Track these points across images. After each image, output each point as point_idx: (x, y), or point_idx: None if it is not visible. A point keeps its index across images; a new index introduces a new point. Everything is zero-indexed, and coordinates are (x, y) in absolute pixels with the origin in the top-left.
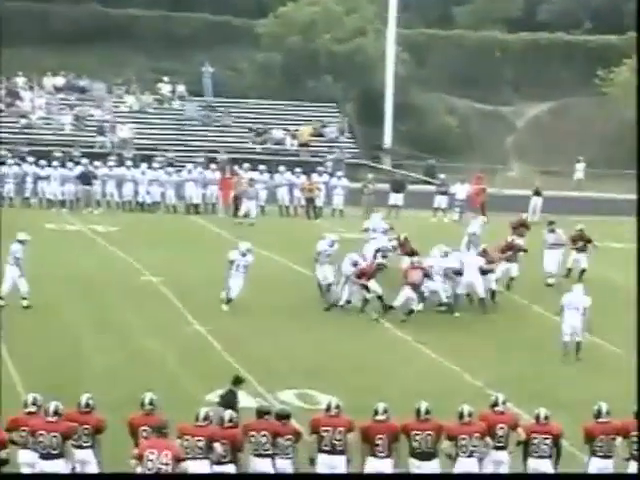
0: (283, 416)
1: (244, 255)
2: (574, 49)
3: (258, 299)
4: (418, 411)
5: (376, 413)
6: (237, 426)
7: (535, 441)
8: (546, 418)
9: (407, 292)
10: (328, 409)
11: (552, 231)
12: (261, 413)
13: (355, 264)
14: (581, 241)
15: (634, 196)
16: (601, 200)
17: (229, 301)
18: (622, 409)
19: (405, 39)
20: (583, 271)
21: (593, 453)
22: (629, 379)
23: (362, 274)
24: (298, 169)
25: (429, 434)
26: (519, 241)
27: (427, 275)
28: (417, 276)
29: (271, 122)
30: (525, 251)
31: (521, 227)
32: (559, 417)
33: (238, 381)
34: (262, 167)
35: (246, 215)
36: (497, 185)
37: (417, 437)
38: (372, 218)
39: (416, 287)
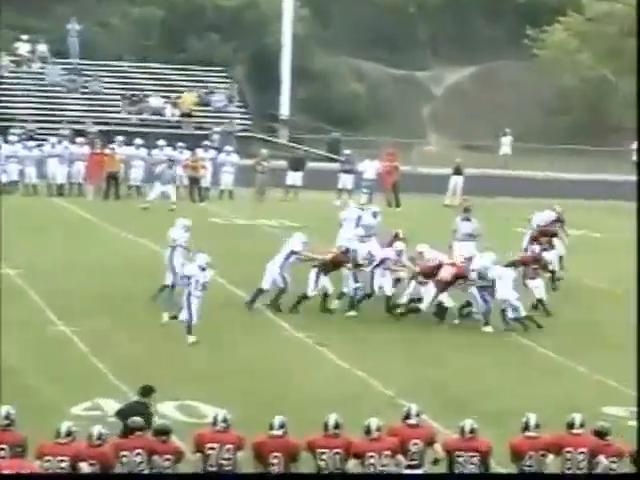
0: (162, 432)
1: (203, 270)
2: (500, 5)
3: (134, 293)
4: (326, 425)
5: (271, 427)
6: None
7: (460, 459)
8: (472, 432)
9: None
10: (215, 423)
11: (467, 219)
12: (133, 429)
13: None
14: (544, 237)
15: (577, 175)
16: (534, 180)
17: (174, 317)
18: (556, 420)
19: None
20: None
21: (521, 472)
22: (562, 385)
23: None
24: (180, 143)
25: (337, 452)
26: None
27: (462, 277)
28: (449, 273)
29: (148, 88)
30: (552, 273)
31: (543, 236)
32: (486, 431)
33: (148, 391)
34: (138, 141)
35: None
36: (412, 162)
37: (323, 455)
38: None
39: (445, 286)
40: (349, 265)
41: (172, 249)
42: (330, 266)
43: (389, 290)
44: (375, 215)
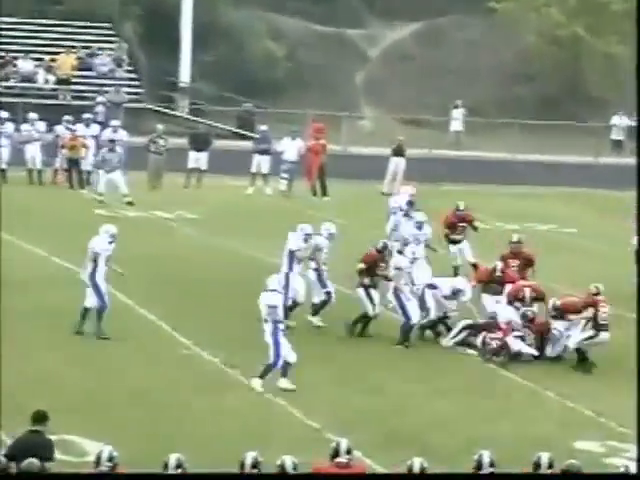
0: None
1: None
2: None
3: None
4: (337, 451)
5: (166, 466)
6: None
7: None
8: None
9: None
10: (98, 462)
11: (408, 215)
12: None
13: None
14: (461, 224)
15: (545, 157)
16: (492, 162)
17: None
18: (519, 458)
19: None
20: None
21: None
22: (527, 415)
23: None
24: (67, 117)
25: None
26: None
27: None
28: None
29: (16, 49)
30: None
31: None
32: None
33: (41, 418)
34: (4, 114)
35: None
36: (342, 141)
37: None
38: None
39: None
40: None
41: (94, 264)
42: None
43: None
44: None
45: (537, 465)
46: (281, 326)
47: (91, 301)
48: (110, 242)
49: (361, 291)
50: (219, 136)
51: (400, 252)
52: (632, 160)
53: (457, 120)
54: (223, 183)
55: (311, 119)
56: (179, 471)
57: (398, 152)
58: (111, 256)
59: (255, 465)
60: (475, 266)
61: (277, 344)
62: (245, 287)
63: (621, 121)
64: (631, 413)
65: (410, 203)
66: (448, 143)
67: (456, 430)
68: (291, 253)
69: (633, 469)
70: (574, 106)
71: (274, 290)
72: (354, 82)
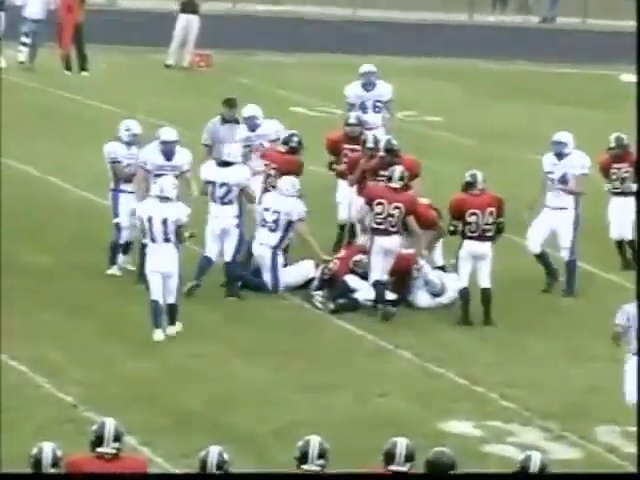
0: None
1: None
2: None
3: None
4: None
5: None
6: None
7: None
8: None
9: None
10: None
11: (230, 120)
12: None
13: None
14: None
15: (389, 14)
16: (322, 22)
17: None
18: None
19: None
20: None
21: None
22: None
23: None
24: None
25: None
26: None
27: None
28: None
29: None
30: None
31: None
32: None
33: None
34: None
35: None
36: None
37: None
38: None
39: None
40: None
41: None
42: None
43: None
44: None
45: (390, 457)
46: None
47: None
48: None
49: None
50: None
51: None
52: (518, 19)
53: None
54: None
55: None
56: None
57: (189, 7)
58: None
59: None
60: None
61: None
62: None
63: None
64: (525, 378)
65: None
66: None
67: (270, 406)
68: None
69: (536, 461)
70: None
71: None
72: None
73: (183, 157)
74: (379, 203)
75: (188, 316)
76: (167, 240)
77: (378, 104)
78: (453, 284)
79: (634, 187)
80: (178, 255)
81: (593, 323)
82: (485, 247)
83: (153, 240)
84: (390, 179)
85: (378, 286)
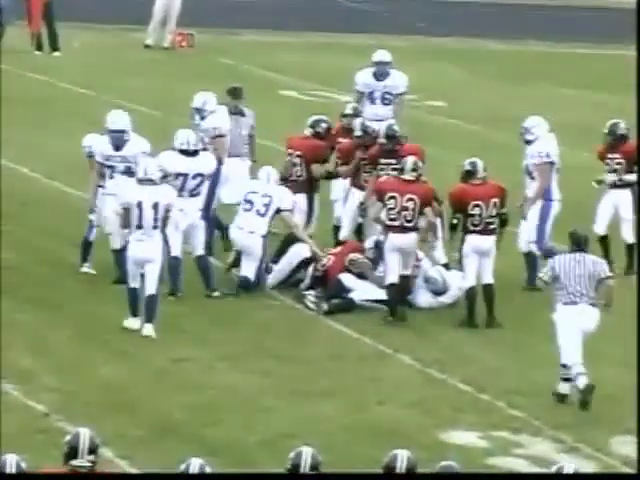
0: None
1: None
2: None
3: None
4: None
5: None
6: None
7: None
8: None
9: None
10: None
11: (238, 111)
12: None
13: None
14: None
15: None
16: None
17: None
18: None
19: None
20: None
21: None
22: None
23: None
24: None
25: None
26: None
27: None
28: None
29: None
30: None
31: None
32: None
33: None
34: None
35: None
36: None
37: None
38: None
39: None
40: None
41: None
42: None
43: None
44: None
45: (390, 469)
46: None
47: None
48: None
49: None
50: None
51: None
52: None
53: None
54: None
55: None
56: None
57: None
58: None
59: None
60: None
61: None
62: None
63: None
64: (531, 386)
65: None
66: None
67: (258, 415)
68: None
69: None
70: None
71: None
72: None
73: (136, 147)
74: (391, 197)
75: (169, 318)
76: (155, 227)
77: (388, 96)
78: (456, 281)
79: (630, 178)
80: (163, 243)
81: (603, 324)
82: (490, 242)
83: (139, 227)
84: (402, 170)
85: (390, 289)
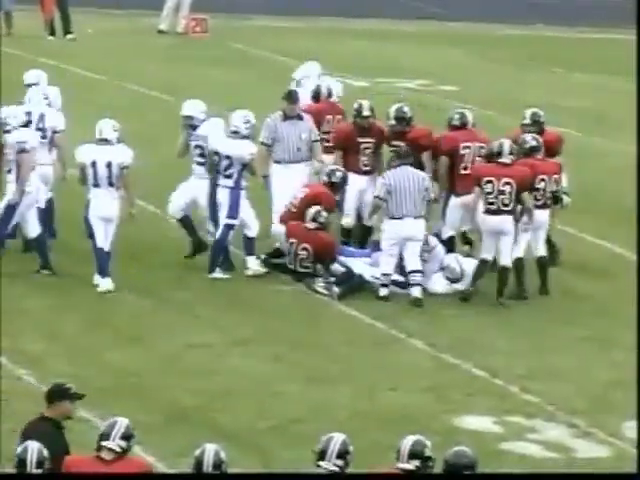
0: None
1: None
2: None
3: None
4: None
5: None
6: None
7: None
8: None
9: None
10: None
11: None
12: None
13: None
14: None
15: None
16: None
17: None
18: None
19: None
20: None
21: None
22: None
23: None
24: None
25: None
26: None
27: None
28: None
29: None
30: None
31: None
32: None
33: (74, 395)
34: None
35: None
36: None
37: None
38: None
39: None
40: None
41: None
42: None
43: None
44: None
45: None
46: None
47: None
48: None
49: None
50: None
51: None
52: None
53: None
54: None
55: None
56: None
57: None
58: None
59: None
60: None
61: None
62: None
63: None
64: (545, 371)
65: None
66: None
67: (270, 400)
68: None
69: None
70: None
71: None
72: None
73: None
74: (488, 181)
75: (182, 303)
76: (111, 184)
77: None
78: (472, 269)
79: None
80: (120, 200)
81: (615, 308)
82: (544, 215)
83: (96, 185)
84: (500, 154)
85: (481, 266)
